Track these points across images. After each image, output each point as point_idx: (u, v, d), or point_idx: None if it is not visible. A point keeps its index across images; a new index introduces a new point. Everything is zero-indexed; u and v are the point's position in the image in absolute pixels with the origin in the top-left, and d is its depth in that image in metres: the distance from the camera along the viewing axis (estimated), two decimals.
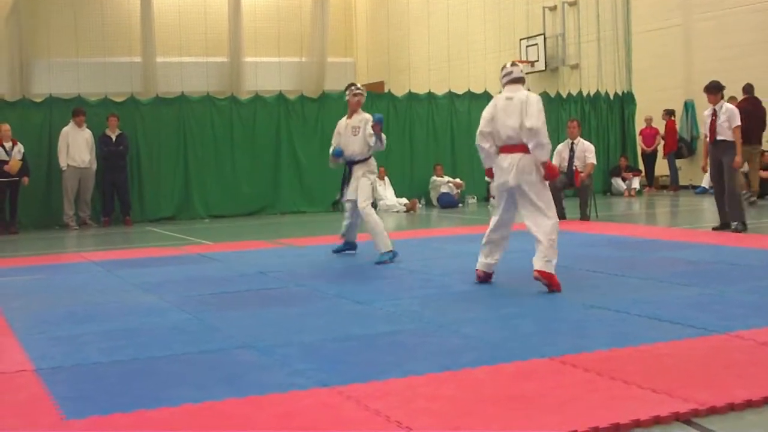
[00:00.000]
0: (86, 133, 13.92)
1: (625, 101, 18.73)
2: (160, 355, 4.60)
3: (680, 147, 18.02)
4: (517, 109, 6.31)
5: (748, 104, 13.95)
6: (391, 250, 8.19)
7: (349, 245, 9.00)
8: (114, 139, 14.05)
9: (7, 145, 13.09)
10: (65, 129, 13.80)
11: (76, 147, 13.72)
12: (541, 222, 6.35)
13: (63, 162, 13.68)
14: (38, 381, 4.13)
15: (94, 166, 13.98)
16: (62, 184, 13.74)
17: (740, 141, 10.15)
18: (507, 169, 6.42)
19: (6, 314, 6.01)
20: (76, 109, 13.96)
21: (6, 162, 12.98)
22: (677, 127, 17.99)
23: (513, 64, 6.70)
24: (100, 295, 6.78)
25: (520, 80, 6.58)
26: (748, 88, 14.34)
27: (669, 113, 17.91)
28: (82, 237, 12.72)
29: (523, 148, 6.34)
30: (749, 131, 13.13)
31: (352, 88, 8.78)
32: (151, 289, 6.96)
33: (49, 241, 12.22)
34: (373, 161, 8.70)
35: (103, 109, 14.47)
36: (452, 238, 10.43)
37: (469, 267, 7.69)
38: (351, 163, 8.64)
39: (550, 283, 6.21)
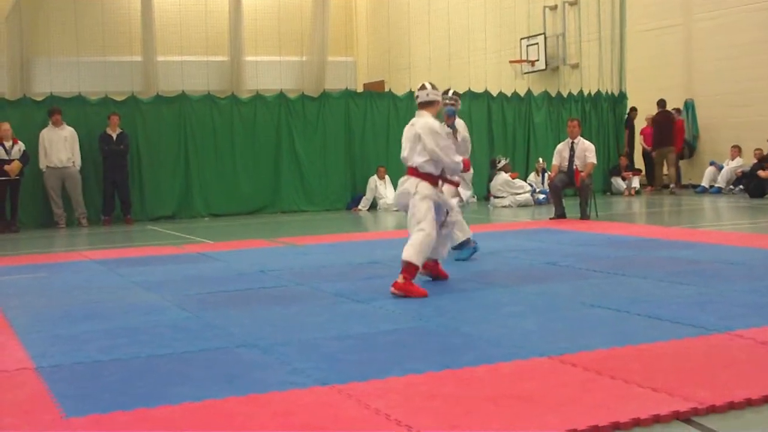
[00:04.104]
0: (65, 132, 13.75)
1: (617, 101, 18.73)
2: (160, 354, 4.61)
3: (683, 147, 18.03)
4: (410, 137, 6.60)
5: (661, 116, 17.68)
6: (466, 242, 8.03)
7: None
8: (115, 138, 14.05)
9: (8, 144, 13.09)
10: (43, 131, 13.69)
11: (53, 147, 13.60)
12: (416, 233, 6.44)
13: (42, 164, 13.62)
14: (38, 379, 4.14)
15: (78, 164, 13.82)
16: (45, 185, 13.71)
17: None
18: (402, 188, 6.66)
19: (6, 312, 6.02)
20: (51, 108, 13.84)
21: (6, 161, 12.98)
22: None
23: (421, 87, 6.77)
24: (101, 294, 6.79)
25: (425, 105, 6.68)
26: (662, 103, 17.66)
27: (677, 112, 17.91)
28: (83, 235, 12.73)
29: (411, 171, 6.58)
30: (663, 137, 17.55)
31: (443, 96, 8.61)
32: (151, 288, 6.96)
33: (49, 240, 12.23)
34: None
35: (103, 108, 14.46)
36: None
37: (468, 266, 7.71)
38: None
39: (406, 294, 6.19)
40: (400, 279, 6.26)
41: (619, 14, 19.05)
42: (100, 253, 9.92)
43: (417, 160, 6.52)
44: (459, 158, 6.67)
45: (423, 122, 6.55)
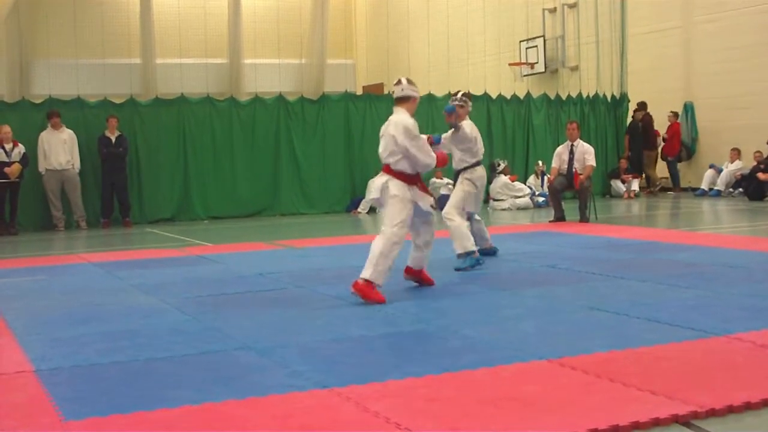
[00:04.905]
0: (64, 134, 13.72)
1: (619, 103, 18.74)
2: (159, 357, 4.61)
3: (680, 149, 18.02)
4: (385, 134, 6.49)
5: (648, 117, 17.95)
6: (470, 252, 7.68)
7: (486, 252, 8.33)
8: (114, 140, 14.03)
9: (8, 146, 13.08)
10: (42, 133, 13.67)
11: (53, 150, 13.57)
12: (379, 236, 6.37)
13: (41, 166, 13.61)
14: (37, 382, 4.13)
15: (77, 167, 13.81)
16: (44, 188, 13.70)
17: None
18: (374, 185, 6.57)
19: (5, 315, 6.01)
20: (50, 111, 13.82)
21: (6, 164, 12.98)
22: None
23: (397, 82, 6.66)
24: (100, 297, 6.78)
25: (401, 100, 6.57)
26: (642, 105, 17.93)
27: (674, 115, 17.90)
28: (82, 238, 12.72)
29: (385, 168, 6.50)
30: (650, 139, 18.01)
31: (452, 98, 8.25)
32: (150, 291, 6.96)
33: (48, 242, 12.22)
34: (476, 170, 8.11)
35: (102, 111, 14.45)
36: (450, 240, 10.40)
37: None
38: (456, 173, 8.27)
39: (362, 296, 6.13)
40: (361, 279, 6.17)
41: (620, 16, 19.04)
42: (99, 255, 9.92)
43: (390, 158, 6.46)
44: (432, 155, 6.53)
45: (396, 119, 6.47)
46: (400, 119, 6.45)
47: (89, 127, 14.22)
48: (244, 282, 7.35)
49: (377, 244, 6.27)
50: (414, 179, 6.51)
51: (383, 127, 6.60)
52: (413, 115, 6.60)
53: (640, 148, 18.23)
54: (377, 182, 6.51)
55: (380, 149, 6.56)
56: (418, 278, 6.92)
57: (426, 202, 6.55)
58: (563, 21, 20.85)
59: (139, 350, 4.77)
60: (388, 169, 6.46)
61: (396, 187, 6.39)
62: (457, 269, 7.59)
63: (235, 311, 5.95)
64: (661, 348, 4.45)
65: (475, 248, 7.76)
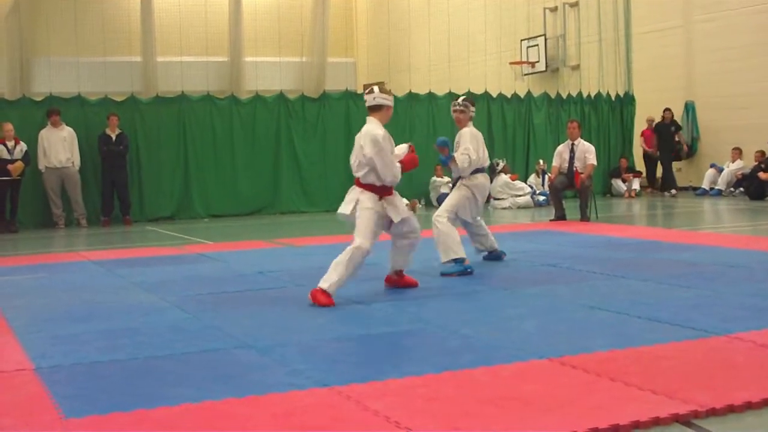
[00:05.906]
0: (64, 132, 13.75)
1: (625, 102, 18.72)
2: (159, 355, 4.61)
3: (678, 149, 17.96)
4: (357, 144, 6.28)
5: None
6: (458, 260, 7.34)
7: (492, 255, 8.16)
8: (114, 138, 14.03)
9: (10, 144, 13.09)
10: (42, 131, 13.69)
11: (52, 148, 13.60)
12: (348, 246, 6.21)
13: (41, 164, 13.62)
14: (37, 380, 4.13)
15: (77, 164, 13.83)
16: (44, 185, 13.71)
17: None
18: (346, 199, 6.40)
19: (6, 313, 6.01)
20: (50, 109, 13.84)
21: (8, 161, 12.98)
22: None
23: (369, 90, 6.43)
24: (100, 295, 6.78)
25: (373, 109, 6.34)
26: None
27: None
28: (82, 236, 12.72)
29: (356, 181, 6.33)
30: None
31: (453, 103, 8.02)
32: (150, 289, 6.96)
33: (48, 240, 12.23)
34: (476, 178, 7.77)
35: (103, 109, 14.46)
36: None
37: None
38: (455, 178, 7.97)
39: (314, 300, 5.99)
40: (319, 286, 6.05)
41: (624, 15, 19.03)
42: (100, 253, 9.91)
43: (359, 171, 6.28)
44: (398, 170, 6.34)
45: (366, 129, 6.25)
46: (370, 130, 6.23)
47: (90, 125, 14.24)
48: (245, 280, 7.35)
49: (338, 260, 6.13)
50: (385, 191, 6.34)
51: (357, 138, 6.35)
52: (386, 124, 6.36)
53: (670, 149, 17.71)
54: (349, 197, 6.33)
55: (351, 160, 6.37)
56: (402, 284, 6.70)
57: (398, 212, 6.34)
58: (564, 20, 20.85)
59: (139, 348, 4.77)
60: (358, 182, 6.32)
61: (368, 199, 6.24)
62: (443, 274, 7.31)
63: (235, 310, 5.94)
64: (662, 347, 4.45)
65: (463, 255, 7.42)
